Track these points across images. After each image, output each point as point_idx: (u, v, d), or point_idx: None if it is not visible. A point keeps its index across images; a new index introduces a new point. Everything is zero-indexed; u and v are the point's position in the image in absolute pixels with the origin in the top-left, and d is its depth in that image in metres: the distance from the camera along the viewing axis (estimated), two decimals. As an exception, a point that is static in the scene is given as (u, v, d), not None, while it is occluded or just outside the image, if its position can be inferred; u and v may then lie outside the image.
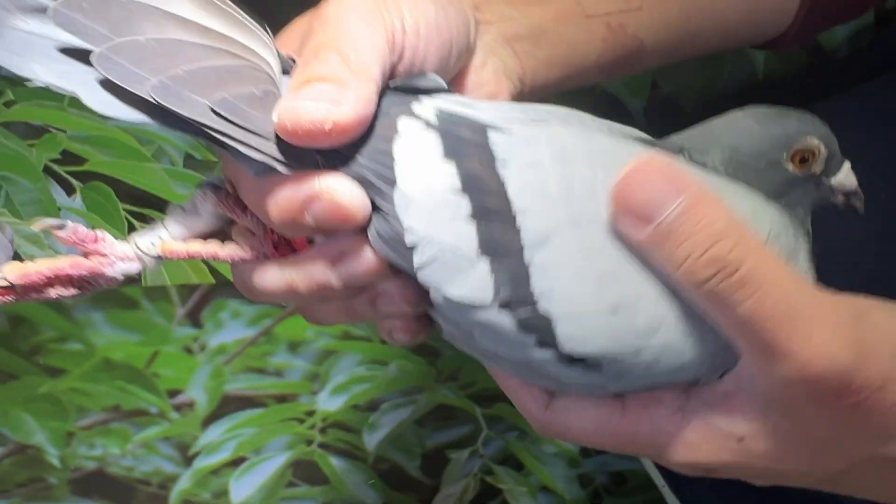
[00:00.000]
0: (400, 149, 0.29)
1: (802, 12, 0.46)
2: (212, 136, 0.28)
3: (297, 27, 0.34)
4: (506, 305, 0.28)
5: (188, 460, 0.69)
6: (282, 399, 0.71)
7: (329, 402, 0.72)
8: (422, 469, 0.71)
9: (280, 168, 0.29)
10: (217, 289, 0.69)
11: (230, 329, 0.70)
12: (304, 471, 0.70)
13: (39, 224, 0.31)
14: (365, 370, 0.72)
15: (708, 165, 0.34)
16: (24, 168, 0.61)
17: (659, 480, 0.68)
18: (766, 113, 0.35)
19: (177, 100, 0.28)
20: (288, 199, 0.29)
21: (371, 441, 0.72)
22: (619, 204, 0.28)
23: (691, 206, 0.28)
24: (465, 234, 0.28)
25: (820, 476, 0.33)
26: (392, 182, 0.29)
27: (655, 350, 0.29)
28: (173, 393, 0.69)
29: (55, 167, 0.62)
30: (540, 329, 0.29)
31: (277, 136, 0.29)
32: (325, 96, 0.28)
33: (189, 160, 0.65)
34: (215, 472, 0.69)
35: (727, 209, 0.29)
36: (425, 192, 0.29)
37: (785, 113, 0.35)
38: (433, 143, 0.30)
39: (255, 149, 0.29)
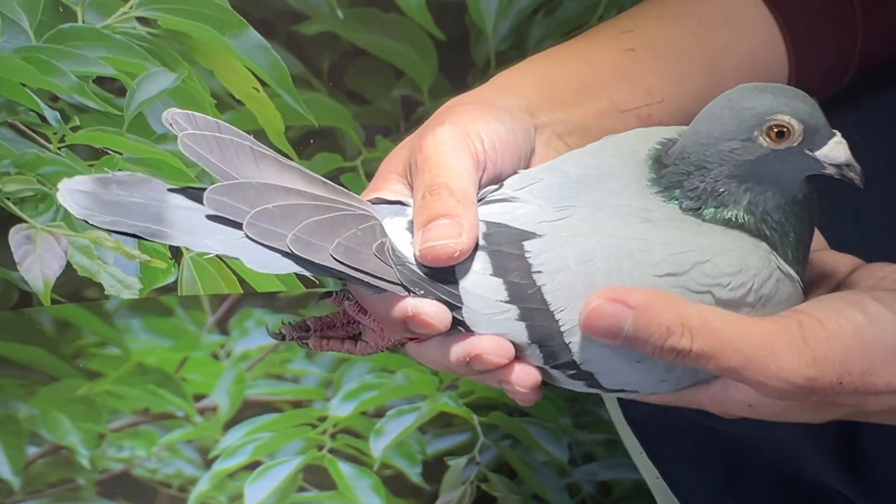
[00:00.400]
0: (461, 273, 0.39)
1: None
2: (336, 274, 0.38)
3: (400, 154, 0.44)
4: (556, 368, 0.40)
5: (208, 463, 0.77)
6: (297, 404, 0.78)
7: (340, 409, 0.79)
8: (423, 475, 0.80)
9: (383, 286, 0.39)
10: (245, 298, 0.75)
11: (254, 336, 0.77)
12: (314, 476, 0.78)
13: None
14: (374, 378, 0.79)
15: (708, 185, 0.39)
16: (82, 186, 0.66)
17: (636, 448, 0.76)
18: (744, 90, 0.40)
19: (307, 248, 0.38)
20: (392, 312, 0.39)
21: (377, 447, 0.80)
22: (588, 331, 0.38)
23: (638, 317, 0.38)
24: (517, 331, 0.39)
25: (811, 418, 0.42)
26: (459, 299, 0.39)
27: (672, 376, 0.40)
28: (199, 397, 0.76)
29: (110, 185, 0.67)
30: (586, 377, 0.41)
31: (378, 261, 0.39)
32: (449, 232, 0.39)
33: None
34: (232, 475, 0.77)
35: (667, 301, 0.38)
36: (484, 306, 0.39)
37: (762, 89, 0.40)
38: (484, 263, 0.40)
39: (364, 281, 0.39)
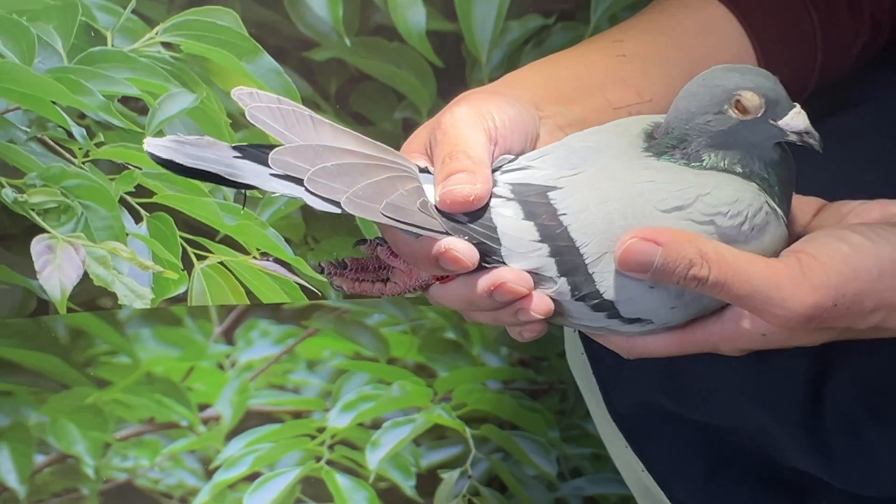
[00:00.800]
0: (497, 218, 0.46)
1: None
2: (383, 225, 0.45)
3: (421, 135, 0.51)
4: (581, 299, 0.47)
5: (209, 474, 0.81)
6: (297, 415, 0.84)
7: (339, 420, 0.84)
8: (416, 488, 0.84)
9: (425, 234, 0.46)
10: (251, 309, 0.81)
11: (259, 347, 0.82)
12: (311, 488, 0.83)
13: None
14: (371, 389, 0.84)
15: (691, 152, 0.47)
16: (103, 198, 0.73)
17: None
18: (714, 72, 0.48)
19: (359, 209, 0.45)
20: (427, 252, 0.46)
21: (373, 459, 0.84)
22: (623, 267, 0.45)
23: (667, 252, 0.45)
24: (548, 265, 0.46)
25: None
26: (497, 241, 0.46)
27: (681, 302, 0.47)
28: (203, 406, 0.81)
29: (128, 198, 0.74)
30: (607, 308, 0.47)
31: (423, 214, 0.46)
32: (466, 181, 0.47)
33: (240, 196, 0.77)
34: (232, 486, 0.81)
35: (689, 238, 0.45)
36: (519, 245, 0.46)
37: (730, 69, 0.48)
38: (515, 210, 0.47)
39: (409, 230, 0.45)
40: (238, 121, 0.74)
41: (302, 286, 0.79)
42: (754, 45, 0.60)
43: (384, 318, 0.83)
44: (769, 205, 0.48)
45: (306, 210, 0.78)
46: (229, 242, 0.77)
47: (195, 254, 0.77)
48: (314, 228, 0.79)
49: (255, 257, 0.78)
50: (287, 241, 0.78)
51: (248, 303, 0.80)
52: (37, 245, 0.74)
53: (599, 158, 0.48)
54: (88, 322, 0.78)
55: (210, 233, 0.77)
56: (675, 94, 0.55)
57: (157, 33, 0.70)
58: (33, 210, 0.73)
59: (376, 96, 0.73)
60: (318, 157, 0.44)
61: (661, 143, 0.48)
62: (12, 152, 0.71)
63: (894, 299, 0.48)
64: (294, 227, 0.78)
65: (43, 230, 0.74)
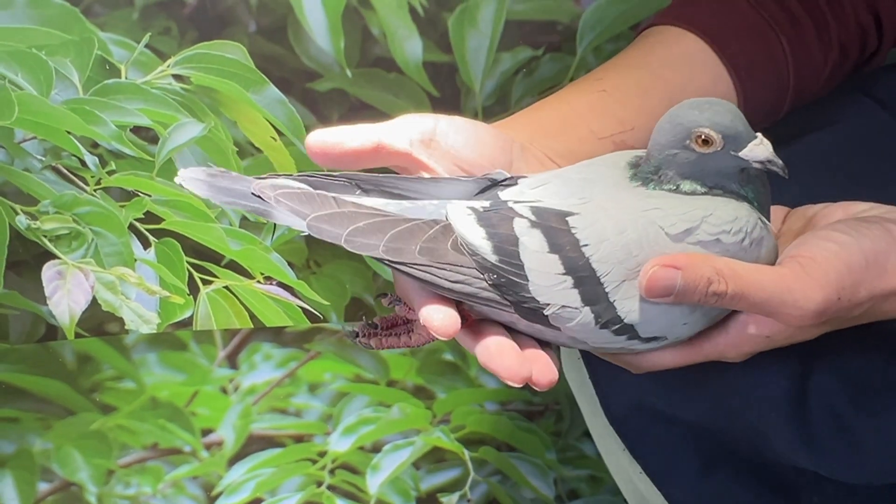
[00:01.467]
0: (524, 254, 0.52)
1: None
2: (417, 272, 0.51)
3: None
4: (604, 326, 0.53)
5: (211, 500, 0.85)
6: (299, 439, 0.88)
7: (339, 443, 0.89)
8: (416, 514, 0.90)
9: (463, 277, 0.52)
10: (254, 333, 0.87)
11: (261, 370, 0.88)
12: (312, 514, 0.88)
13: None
14: (371, 412, 0.88)
15: (668, 180, 0.54)
16: (113, 225, 0.79)
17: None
18: (679, 107, 0.54)
19: (396, 253, 0.51)
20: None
21: (373, 483, 0.88)
22: (650, 294, 0.52)
23: (686, 274, 0.52)
24: (572, 296, 0.52)
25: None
26: (525, 278, 0.52)
27: (693, 319, 0.54)
28: (206, 431, 0.86)
29: (137, 225, 0.81)
30: (628, 331, 0.53)
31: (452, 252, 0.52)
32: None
33: (244, 221, 0.84)
34: (233, 513, 0.86)
35: (704, 259, 0.52)
36: (546, 280, 0.52)
37: (690, 105, 0.54)
38: (540, 242, 0.52)
39: (424, 280, 0.51)
40: (244, 149, 0.81)
41: (304, 309, 0.86)
42: (730, 72, 0.67)
43: (384, 341, 0.89)
44: (761, 220, 0.55)
45: (309, 235, 0.85)
46: (234, 267, 0.83)
47: (201, 278, 0.84)
48: (316, 253, 0.86)
49: (258, 281, 0.85)
50: (290, 265, 0.85)
51: (252, 326, 0.86)
52: (48, 271, 0.81)
53: (597, 188, 0.55)
54: (95, 347, 0.84)
55: (216, 258, 0.83)
56: (656, 122, 0.61)
57: (168, 66, 0.77)
58: (45, 236, 0.80)
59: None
60: (350, 220, 0.51)
61: (643, 172, 0.55)
62: (27, 180, 0.78)
63: (881, 285, 0.55)
64: (297, 251, 0.85)
65: (54, 256, 0.80)
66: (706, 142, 0.54)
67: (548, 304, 0.52)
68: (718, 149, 0.54)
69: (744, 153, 0.55)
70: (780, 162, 0.54)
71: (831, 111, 0.72)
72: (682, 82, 0.67)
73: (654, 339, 0.54)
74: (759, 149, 0.54)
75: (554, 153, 0.61)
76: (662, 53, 0.67)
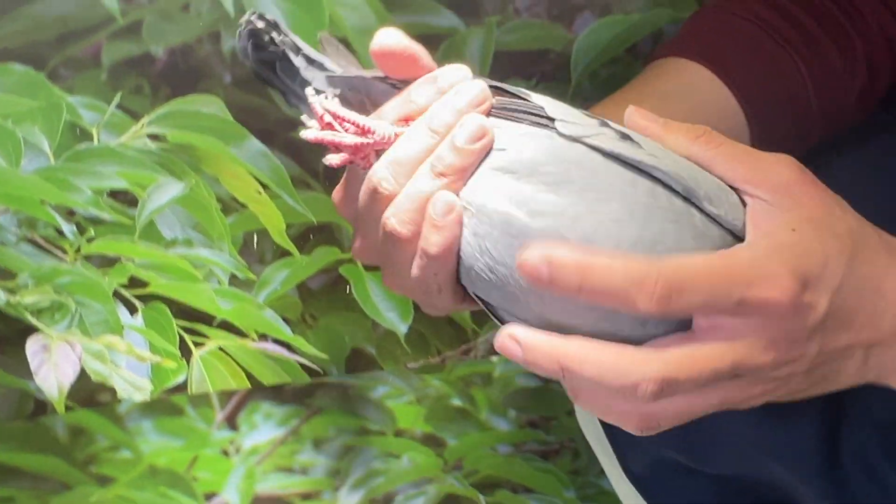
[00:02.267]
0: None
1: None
2: None
3: None
4: None
5: None
6: (307, 496, 0.87)
7: (349, 498, 0.87)
8: (433, 569, 0.88)
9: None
10: (252, 393, 0.85)
11: (263, 430, 0.86)
12: (324, 577, 0.86)
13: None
14: (381, 463, 0.87)
15: None
16: (96, 293, 0.77)
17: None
18: None
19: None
20: None
21: None
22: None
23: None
24: None
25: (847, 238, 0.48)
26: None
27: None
28: (209, 496, 0.84)
29: (122, 291, 0.78)
30: None
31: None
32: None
33: (234, 280, 0.81)
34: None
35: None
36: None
37: None
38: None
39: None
40: (228, 204, 0.78)
41: (303, 365, 0.83)
42: (738, 99, 0.64)
43: (388, 391, 0.86)
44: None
45: (303, 289, 0.82)
46: (227, 327, 0.81)
47: (193, 341, 0.81)
48: (311, 307, 0.83)
49: (253, 339, 0.82)
50: (285, 320, 0.82)
51: (249, 386, 0.83)
52: (31, 345, 0.78)
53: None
54: (88, 419, 0.81)
55: (207, 319, 0.81)
56: None
57: (142, 126, 0.74)
58: (27, 310, 0.77)
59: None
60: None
61: None
62: (3, 255, 0.75)
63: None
64: (291, 306, 0.82)
65: (37, 330, 0.78)
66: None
67: None
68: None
69: None
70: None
71: (857, 133, 0.68)
72: (689, 112, 0.64)
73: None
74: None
75: None
76: (667, 84, 0.64)
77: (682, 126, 0.50)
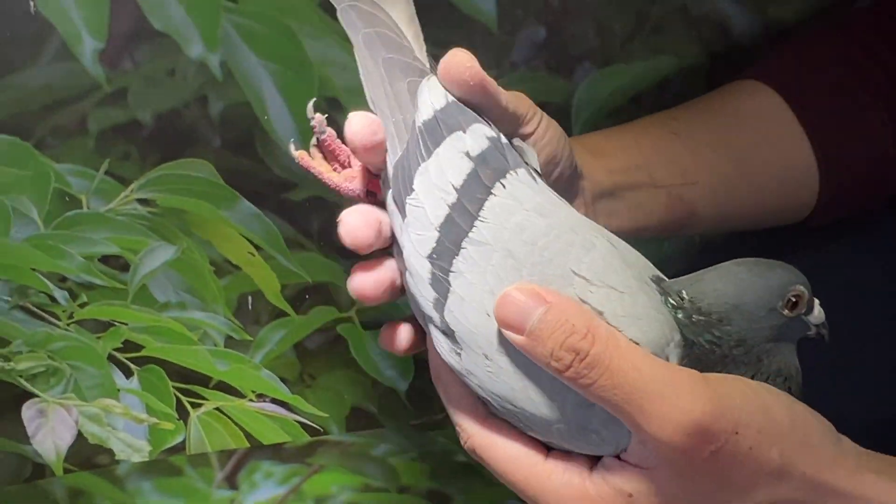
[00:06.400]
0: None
1: (821, 202, 0.66)
2: None
3: None
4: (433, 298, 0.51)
5: None
6: None
7: None
8: None
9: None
10: (252, 452, 0.87)
11: (263, 489, 0.88)
12: None
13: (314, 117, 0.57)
14: None
15: (702, 309, 0.48)
16: (91, 358, 0.79)
17: None
18: (758, 264, 0.49)
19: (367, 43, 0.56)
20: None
21: None
22: (499, 319, 0.44)
23: (550, 311, 0.43)
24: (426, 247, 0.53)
25: None
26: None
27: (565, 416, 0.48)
28: None
29: (117, 355, 0.81)
30: (448, 332, 0.51)
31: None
32: (467, 58, 0.55)
33: (230, 341, 0.83)
34: None
35: (582, 309, 0.44)
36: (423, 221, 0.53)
37: (772, 265, 0.49)
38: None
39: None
40: (221, 267, 0.81)
41: (302, 423, 0.85)
42: (807, 133, 0.63)
43: (390, 448, 0.88)
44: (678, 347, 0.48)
45: (300, 348, 0.84)
46: (224, 387, 0.84)
47: (190, 402, 0.83)
48: (309, 366, 0.85)
49: (251, 400, 0.84)
50: (283, 380, 0.84)
51: (249, 445, 0.85)
52: (27, 410, 0.81)
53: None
54: (87, 481, 0.84)
55: (203, 380, 0.83)
56: (721, 181, 0.61)
57: (131, 191, 0.77)
58: (21, 376, 0.79)
59: (360, 229, 0.79)
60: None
61: (699, 323, 0.48)
62: (-5, 323, 0.78)
63: (808, 468, 0.45)
64: (289, 365, 0.84)
65: (33, 395, 0.80)
66: (795, 305, 0.50)
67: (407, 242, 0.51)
68: (802, 312, 0.50)
69: (812, 318, 0.50)
70: (827, 325, 0.51)
71: None
72: (757, 137, 0.65)
73: (468, 373, 0.49)
74: (820, 311, 0.51)
75: (601, 190, 0.59)
76: (738, 105, 0.65)
77: (550, 341, 0.45)
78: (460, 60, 0.52)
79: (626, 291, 0.47)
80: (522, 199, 0.49)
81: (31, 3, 0.69)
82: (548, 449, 0.49)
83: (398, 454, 0.89)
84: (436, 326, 0.50)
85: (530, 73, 0.79)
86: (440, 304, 0.49)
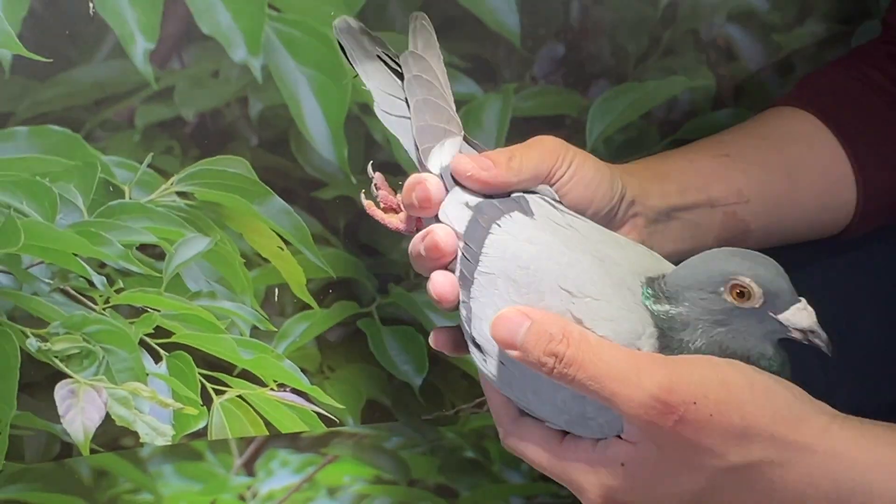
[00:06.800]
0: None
1: (857, 216, 0.71)
2: None
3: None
4: (468, 327, 0.60)
5: None
6: None
7: None
8: None
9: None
10: (270, 440, 0.91)
11: (279, 477, 0.92)
12: None
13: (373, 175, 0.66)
14: None
15: (669, 296, 0.52)
16: (123, 341, 0.84)
17: None
18: (720, 251, 0.52)
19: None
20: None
21: None
22: (496, 339, 0.53)
23: (533, 326, 0.52)
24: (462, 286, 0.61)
25: (689, 499, 0.52)
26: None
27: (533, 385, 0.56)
28: None
29: (148, 340, 0.86)
30: (478, 347, 0.59)
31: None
32: (486, 165, 0.59)
33: (255, 331, 0.88)
34: None
35: (558, 318, 0.52)
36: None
37: (734, 253, 0.52)
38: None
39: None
40: (251, 259, 0.86)
41: (319, 414, 0.90)
42: (847, 152, 0.69)
43: (402, 441, 0.93)
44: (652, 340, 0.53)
45: (321, 341, 0.89)
46: (247, 376, 0.88)
47: (214, 389, 0.88)
48: (329, 358, 0.90)
49: (272, 389, 0.88)
50: (303, 371, 0.89)
51: (267, 433, 0.90)
52: (60, 390, 0.85)
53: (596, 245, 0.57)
54: (111, 462, 0.88)
55: (228, 368, 0.88)
56: (772, 197, 0.65)
57: (172, 184, 0.82)
58: (56, 357, 0.84)
59: (383, 229, 0.84)
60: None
61: (658, 285, 0.54)
62: (36, 304, 0.83)
63: (773, 428, 0.49)
64: (310, 357, 0.89)
65: (66, 376, 0.85)
66: (742, 294, 0.51)
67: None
68: (756, 305, 0.51)
69: (784, 316, 0.51)
70: (825, 335, 0.51)
71: None
72: (799, 158, 0.70)
73: (494, 378, 0.56)
74: (801, 314, 0.51)
75: (655, 213, 0.64)
76: (783, 127, 0.71)
77: (536, 349, 0.53)
78: (463, 169, 0.59)
79: (601, 298, 0.53)
80: (516, 233, 0.57)
81: (91, 5, 0.75)
82: (565, 435, 0.58)
83: (409, 448, 0.93)
84: (471, 341, 0.58)
85: (549, 88, 0.85)
86: (469, 322, 0.58)
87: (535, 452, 0.56)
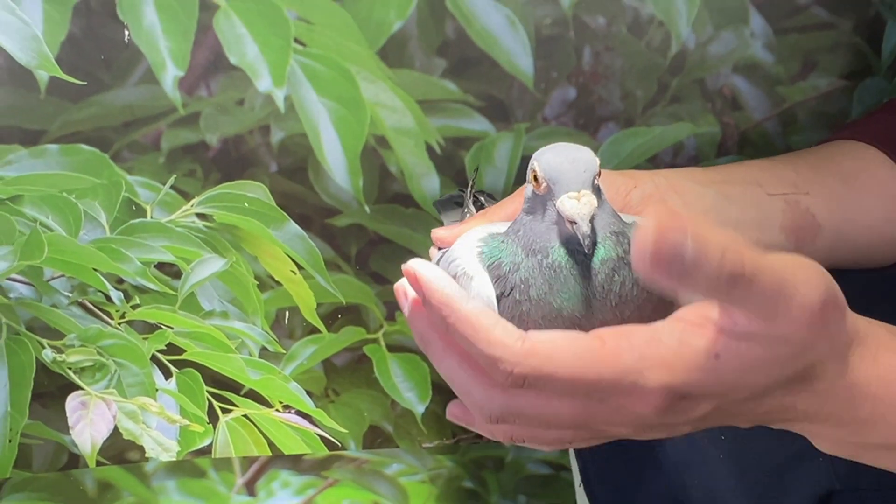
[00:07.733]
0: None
1: None
2: None
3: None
4: None
5: None
6: None
7: None
8: None
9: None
10: (272, 460, 0.95)
11: (280, 498, 0.96)
12: None
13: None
14: None
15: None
16: (135, 356, 0.88)
17: (577, 479, 0.86)
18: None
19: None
20: None
21: None
22: (654, 261, 0.41)
23: (697, 239, 0.41)
24: None
25: (761, 392, 0.45)
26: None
27: None
28: None
29: (159, 356, 0.90)
30: None
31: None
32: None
33: (264, 352, 0.92)
34: None
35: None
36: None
37: (553, 146, 0.51)
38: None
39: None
40: (265, 282, 0.90)
41: (322, 437, 0.94)
42: None
43: (402, 468, 0.96)
44: (469, 266, 0.52)
45: (328, 365, 0.93)
46: (253, 396, 0.92)
47: (220, 407, 0.92)
48: (334, 382, 0.94)
49: (277, 410, 0.93)
50: (309, 394, 0.93)
51: (271, 454, 0.94)
52: (71, 401, 0.89)
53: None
54: (116, 475, 0.92)
55: (235, 387, 0.92)
56: (832, 196, 0.66)
57: (192, 205, 0.87)
58: (70, 368, 0.88)
59: (393, 257, 0.90)
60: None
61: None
62: (55, 316, 0.87)
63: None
64: (315, 380, 0.93)
65: (78, 387, 0.89)
66: (536, 180, 0.51)
67: None
68: (540, 192, 0.51)
69: (558, 203, 0.48)
70: (586, 229, 0.47)
71: None
72: (858, 192, 0.70)
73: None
74: (568, 203, 0.48)
75: (702, 207, 0.64)
76: (841, 164, 0.71)
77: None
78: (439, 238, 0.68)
79: (471, 270, 0.53)
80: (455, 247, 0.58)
81: (126, 33, 0.80)
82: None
83: (409, 475, 0.96)
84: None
85: (559, 128, 0.90)
86: None
87: (576, 364, 0.45)
